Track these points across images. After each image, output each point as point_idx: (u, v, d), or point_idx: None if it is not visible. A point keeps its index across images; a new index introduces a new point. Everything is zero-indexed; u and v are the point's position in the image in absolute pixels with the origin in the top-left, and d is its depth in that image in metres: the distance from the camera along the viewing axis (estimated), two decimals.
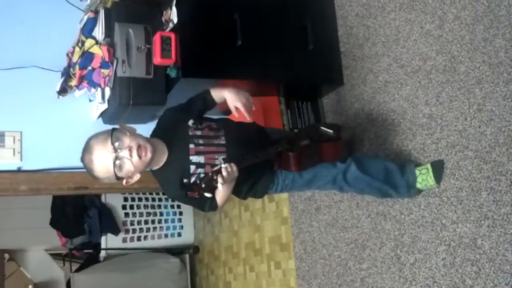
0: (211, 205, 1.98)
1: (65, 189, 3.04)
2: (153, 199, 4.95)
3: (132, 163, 1.80)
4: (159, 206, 4.96)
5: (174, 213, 5.02)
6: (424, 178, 2.30)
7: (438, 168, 2.28)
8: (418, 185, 2.32)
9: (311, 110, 3.03)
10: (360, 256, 2.77)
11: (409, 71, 2.49)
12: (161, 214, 4.95)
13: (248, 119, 2.08)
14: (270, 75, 2.80)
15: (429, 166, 2.29)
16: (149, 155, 1.84)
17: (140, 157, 1.81)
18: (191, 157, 1.93)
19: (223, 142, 2.00)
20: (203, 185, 1.72)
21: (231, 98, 2.07)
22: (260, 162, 1.98)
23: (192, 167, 1.92)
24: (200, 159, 1.94)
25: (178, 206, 5.04)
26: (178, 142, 1.96)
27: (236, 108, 2.08)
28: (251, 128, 2.21)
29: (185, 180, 1.89)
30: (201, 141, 1.97)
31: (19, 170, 2.94)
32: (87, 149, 1.82)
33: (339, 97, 2.97)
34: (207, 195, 1.74)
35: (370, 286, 2.70)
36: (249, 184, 2.11)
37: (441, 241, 2.28)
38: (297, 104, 3.01)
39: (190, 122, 2.01)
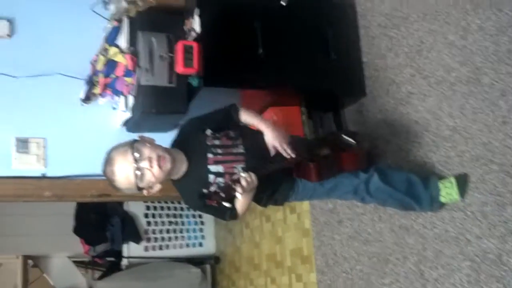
0: (232, 214, 1.96)
1: (88, 196, 3.06)
2: (175, 208, 4.95)
3: (152, 173, 1.82)
4: (181, 216, 4.95)
5: (196, 223, 5.01)
6: (448, 191, 2.25)
7: (462, 182, 2.23)
8: (442, 199, 2.27)
9: (332, 120, 3.00)
10: (382, 270, 2.72)
11: (432, 82, 2.45)
12: (183, 224, 4.94)
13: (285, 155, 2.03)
14: (291, 85, 2.79)
15: (453, 179, 2.25)
16: (168, 165, 1.85)
17: (160, 167, 1.83)
18: (209, 167, 1.94)
19: (242, 150, 2.00)
20: (222, 195, 1.71)
21: (270, 137, 2.04)
22: (280, 170, 1.97)
23: (211, 177, 1.93)
24: (219, 168, 1.94)
25: (200, 216, 5.03)
26: (196, 152, 1.97)
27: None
28: None
29: (204, 190, 1.89)
30: (219, 151, 1.97)
31: (43, 177, 2.96)
32: (108, 161, 1.85)
33: (361, 108, 2.94)
34: (226, 205, 1.74)
35: None
36: (269, 192, 2.09)
37: (465, 256, 2.23)
38: (318, 114, 2.98)
39: (208, 132, 2.02)
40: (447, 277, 2.31)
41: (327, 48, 2.83)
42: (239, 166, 1.96)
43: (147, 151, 1.82)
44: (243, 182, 1.74)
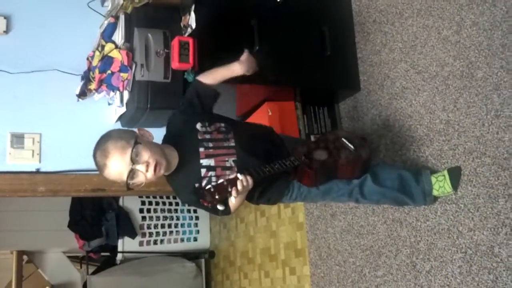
0: (224, 211, 1.94)
1: (82, 191, 3.05)
2: (170, 203, 4.96)
3: (145, 176, 1.81)
4: (176, 211, 4.97)
5: (191, 218, 5.02)
6: (441, 185, 2.28)
7: (455, 175, 2.26)
8: (435, 192, 2.30)
9: (327, 115, 3.03)
10: (375, 263, 2.76)
11: (426, 77, 2.48)
12: (178, 219, 4.95)
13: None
14: (287, 80, 2.81)
15: (446, 172, 2.28)
16: (162, 171, 1.85)
17: (154, 172, 1.82)
18: (201, 161, 1.93)
19: (233, 144, 1.99)
20: (216, 196, 1.67)
21: (245, 69, 2.21)
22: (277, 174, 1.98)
23: (203, 170, 1.93)
24: (211, 162, 1.94)
25: (195, 211, 5.04)
26: (188, 147, 1.96)
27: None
28: (262, 131, 2.23)
29: (196, 185, 1.89)
30: (210, 144, 1.97)
31: (37, 172, 2.96)
32: (103, 152, 1.81)
33: (355, 103, 2.96)
34: (220, 207, 1.73)
35: None
36: (261, 189, 2.08)
37: (457, 248, 2.26)
38: (313, 109, 3.01)
39: (198, 126, 2.01)
40: (440, 269, 2.35)
41: (322, 44, 2.84)
42: (231, 160, 1.96)
43: (146, 155, 1.80)
44: (239, 186, 1.72)
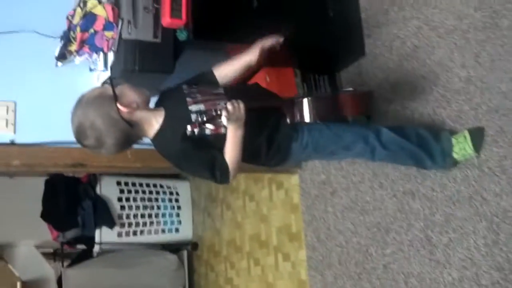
0: (222, 165, 1.82)
1: (61, 165, 2.91)
2: (150, 192, 4.75)
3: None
4: (157, 200, 4.75)
5: (172, 207, 4.82)
6: (461, 147, 2.11)
7: (477, 136, 2.09)
8: (455, 155, 2.13)
9: (328, 83, 2.87)
10: (383, 240, 2.58)
11: (442, 32, 2.32)
12: (159, 208, 4.74)
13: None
14: (286, 42, 2.62)
15: (466, 133, 2.10)
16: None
17: None
18: (190, 107, 1.88)
19: (222, 91, 1.97)
20: (205, 118, 1.70)
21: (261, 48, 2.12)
22: (272, 112, 1.93)
23: (193, 116, 1.85)
24: (200, 106, 1.88)
25: (177, 200, 4.85)
26: (175, 100, 1.94)
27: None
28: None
29: (188, 128, 1.74)
30: (198, 95, 1.93)
31: (12, 143, 2.80)
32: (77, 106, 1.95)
33: (359, 70, 2.81)
34: (209, 126, 1.72)
35: (394, 272, 2.50)
36: (266, 137, 1.93)
37: (481, 217, 2.09)
38: (313, 77, 2.84)
39: (185, 86, 1.99)
40: (460, 241, 2.17)
41: (325, 4, 2.70)
42: (222, 102, 1.86)
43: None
44: (229, 106, 1.71)
